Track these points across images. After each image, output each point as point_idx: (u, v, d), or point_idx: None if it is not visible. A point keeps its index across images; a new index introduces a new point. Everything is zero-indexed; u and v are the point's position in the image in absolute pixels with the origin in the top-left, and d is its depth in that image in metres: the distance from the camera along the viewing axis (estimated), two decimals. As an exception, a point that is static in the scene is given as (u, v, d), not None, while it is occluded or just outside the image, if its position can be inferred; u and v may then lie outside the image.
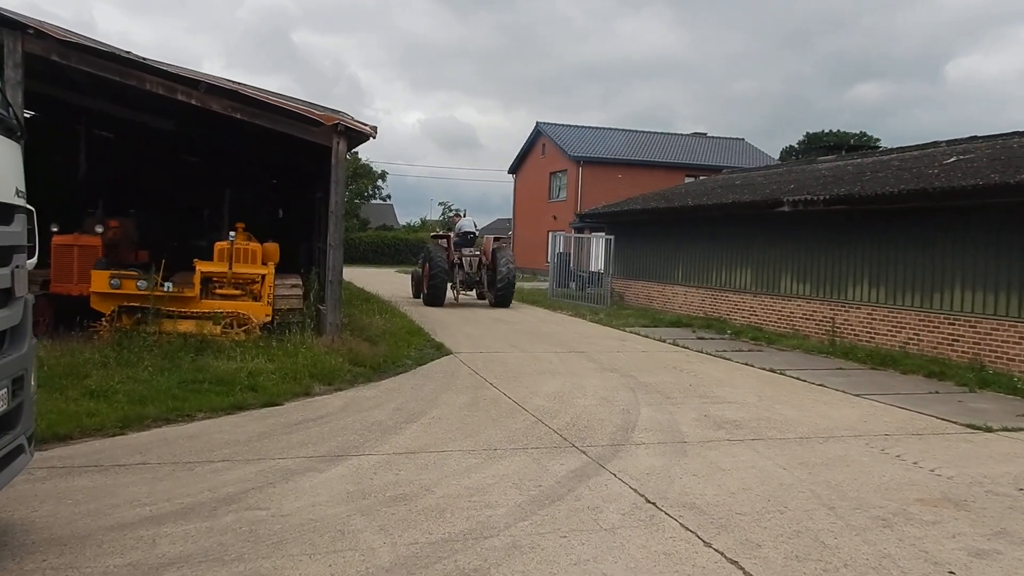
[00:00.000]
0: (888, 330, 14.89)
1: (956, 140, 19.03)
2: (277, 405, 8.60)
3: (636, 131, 49.50)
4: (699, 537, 5.11)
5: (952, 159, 15.79)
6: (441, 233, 24.72)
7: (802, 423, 8.66)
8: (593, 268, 28.35)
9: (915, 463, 7.15)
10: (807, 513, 5.65)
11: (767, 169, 26.58)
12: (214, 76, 11.58)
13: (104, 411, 7.56)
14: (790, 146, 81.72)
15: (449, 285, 22.37)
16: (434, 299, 21.54)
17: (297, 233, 18.98)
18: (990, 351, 12.80)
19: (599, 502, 5.75)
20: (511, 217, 56.70)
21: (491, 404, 9.16)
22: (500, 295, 22.21)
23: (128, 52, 11.19)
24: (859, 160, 20.68)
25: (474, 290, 23.56)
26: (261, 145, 16.00)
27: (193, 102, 11.39)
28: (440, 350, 13.26)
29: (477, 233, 24.01)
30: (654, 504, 5.74)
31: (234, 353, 10.53)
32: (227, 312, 12.02)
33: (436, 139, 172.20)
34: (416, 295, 24.21)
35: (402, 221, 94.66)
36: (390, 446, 7.13)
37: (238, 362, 10.04)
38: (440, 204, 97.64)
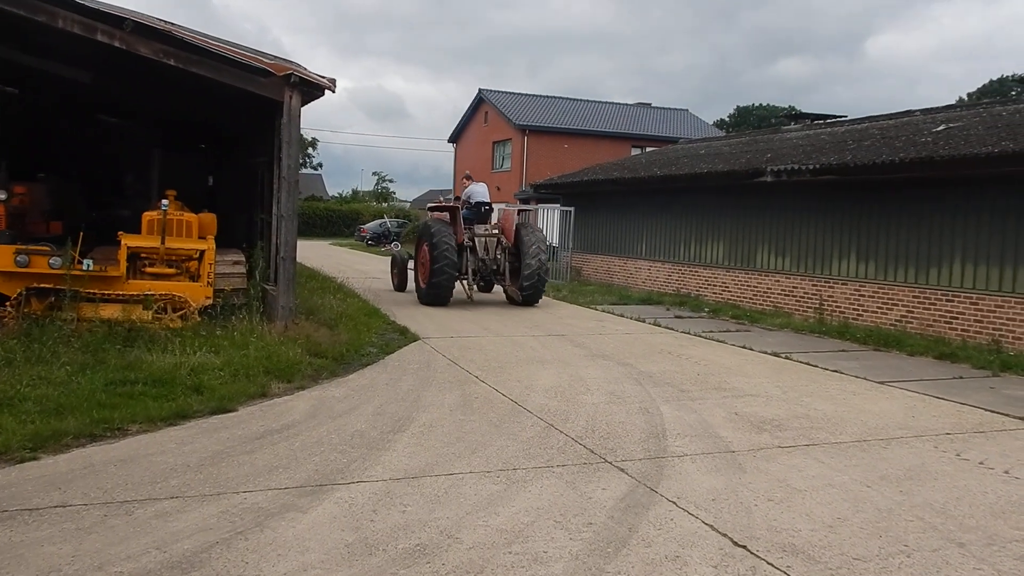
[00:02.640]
0: (879, 307, 14.03)
1: (932, 108, 18.31)
2: (230, 411, 7.04)
3: (582, 100, 48.28)
4: (830, 602, 3.87)
5: (941, 127, 14.94)
6: (443, 203, 17.88)
7: (847, 421, 7.54)
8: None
9: (1006, 472, 6.08)
10: (938, 555, 4.46)
11: (729, 138, 25.65)
12: (143, 14, 9.74)
13: (8, 426, 5.90)
14: (721, 119, 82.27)
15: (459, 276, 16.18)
16: (437, 295, 15.23)
17: (231, 203, 17.09)
18: (994, 329, 12.01)
19: (676, 547, 4.46)
20: (451, 188, 54.97)
21: (485, 404, 7.78)
22: (529, 290, 15.84)
23: (34, -18, 9.27)
24: (830, 129, 19.79)
25: (484, 281, 17.04)
26: (191, 100, 14.08)
27: (116, 44, 9.52)
28: (405, 335, 11.77)
29: (492, 205, 17.24)
30: (745, 548, 4.48)
31: (171, 344, 8.87)
32: (160, 294, 10.27)
33: (364, 108, 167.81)
34: (399, 286, 18.34)
35: (331, 192, 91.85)
36: (383, 468, 5.69)
37: (177, 356, 8.39)
38: (374, 174, 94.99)
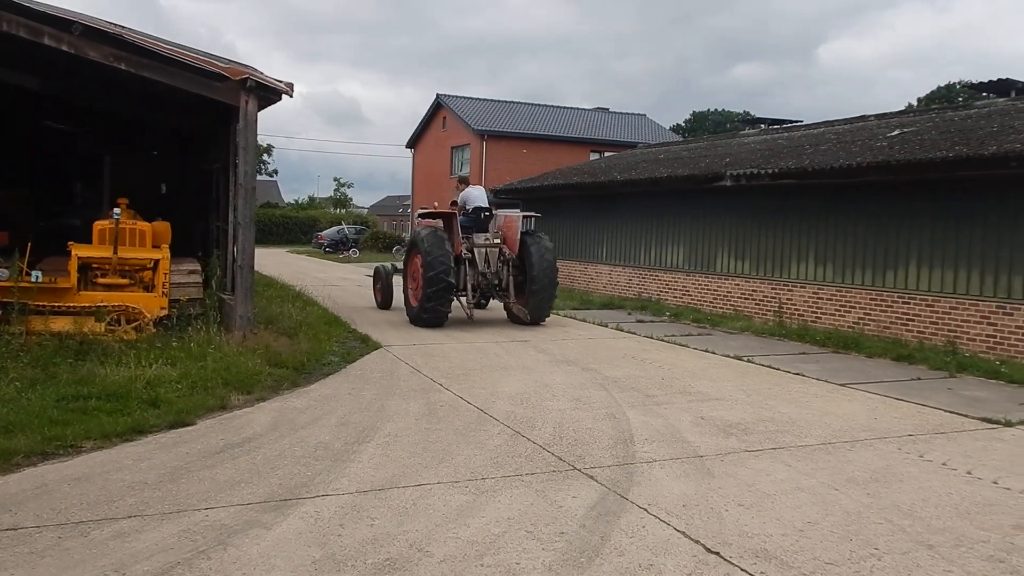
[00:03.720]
0: (836, 310, 14.22)
1: (886, 114, 18.63)
2: (188, 425, 6.84)
3: (540, 105, 48.32)
4: (806, 608, 3.86)
5: (896, 132, 15.22)
6: (435, 209, 15.07)
7: (811, 424, 7.59)
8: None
9: (969, 472, 6.15)
10: (907, 558, 4.48)
11: (688, 143, 25.87)
12: (92, 16, 9.47)
13: (-46, 446, 5.65)
14: (678, 124, 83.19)
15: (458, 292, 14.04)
16: (433, 315, 13.33)
17: (186, 210, 16.72)
18: (949, 331, 12.23)
19: (649, 555, 4.41)
20: (409, 193, 54.73)
21: (451, 412, 7.68)
22: (538, 308, 14.12)
23: (-23, -16, 8.96)
24: (787, 134, 20.05)
25: (485, 298, 14.96)
26: (143, 105, 13.75)
27: (64, 48, 9.24)
28: (367, 343, 11.63)
29: (493, 211, 15.14)
30: (719, 555, 4.45)
31: (125, 357, 8.61)
32: (113, 306, 9.99)
33: (320, 113, 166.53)
34: (384, 303, 16.28)
35: (287, 198, 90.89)
36: (349, 480, 5.56)
37: (132, 369, 8.14)
38: (335, 180, 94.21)
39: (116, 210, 10.76)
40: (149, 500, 5.01)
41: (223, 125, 12.27)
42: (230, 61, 10.21)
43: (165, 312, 10.51)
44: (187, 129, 15.37)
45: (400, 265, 15.97)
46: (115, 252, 10.47)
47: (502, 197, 26.94)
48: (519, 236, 14.41)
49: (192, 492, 5.20)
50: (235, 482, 5.43)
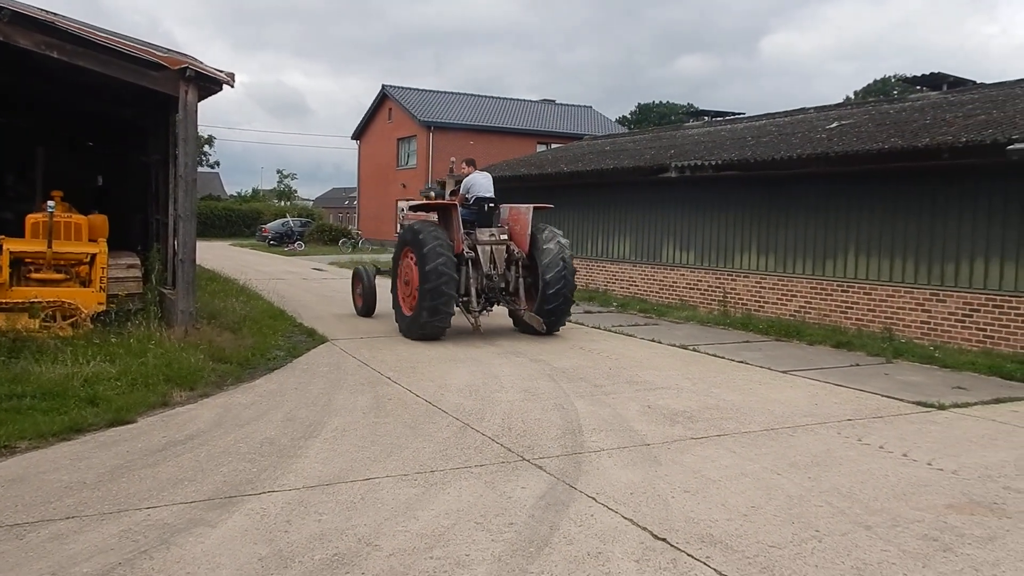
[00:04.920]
0: (779, 298, 14.52)
1: (825, 106, 19.08)
2: (129, 423, 6.68)
3: (486, 96, 48.26)
4: (750, 591, 3.94)
5: (835, 124, 15.58)
6: (430, 200, 13.05)
7: (755, 411, 7.74)
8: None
9: (905, 455, 6.34)
10: (848, 539, 4.60)
11: (634, 135, 26.08)
12: (22, 3, 9.13)
13: None
14: (624, 116, 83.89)
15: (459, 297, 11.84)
16: (431, 325, 11.31)
17: (124, 203, 16.30)
18: (886, 318, 12.60)
19: (598, 544, 4.45)
20: (355, 185, 54.18)
21: (399, 405, 7.64)
22: (553, 314, 12.13)
23: None
24: (730, 126, 20.38)
25: (487, 303, 12.57)
26: (78, 95, 13.34)
27: (-8, 35, 8.91)
28: (313, 336, 11.50)
29: (497, 202, 12.92)
30: (666, 541, 4.51)
31: (62, 354, 8.37)
32: (48, 301, 9.70)
33: (263, 104, 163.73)
34: (365, 310, 14.09)
35: (230, 191, 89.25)
36: (296, 476, 5.49)
37: (69, 366, 7.92)
38: (278, 172, 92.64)
39: (50, 203, 10.43)
40: (88, 500, 4.89)
41: (162, 116, 12.00)
42: (169, 50, 9.96)
43: (103, 307, 10.25)
44: (125, 120, 14.95)
45: (382, 266, 14.71)
46: (49, 246, 10.16)
47: (449, 189, 26.82)
48: (530, 231, 12.47)
49: (133, 491, 5.08)
50: (178, 480, 5.32)
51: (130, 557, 4.12)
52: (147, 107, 12.22)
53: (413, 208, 13.43)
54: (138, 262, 11.54)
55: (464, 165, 13.51)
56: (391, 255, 13.57)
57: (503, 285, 12.32)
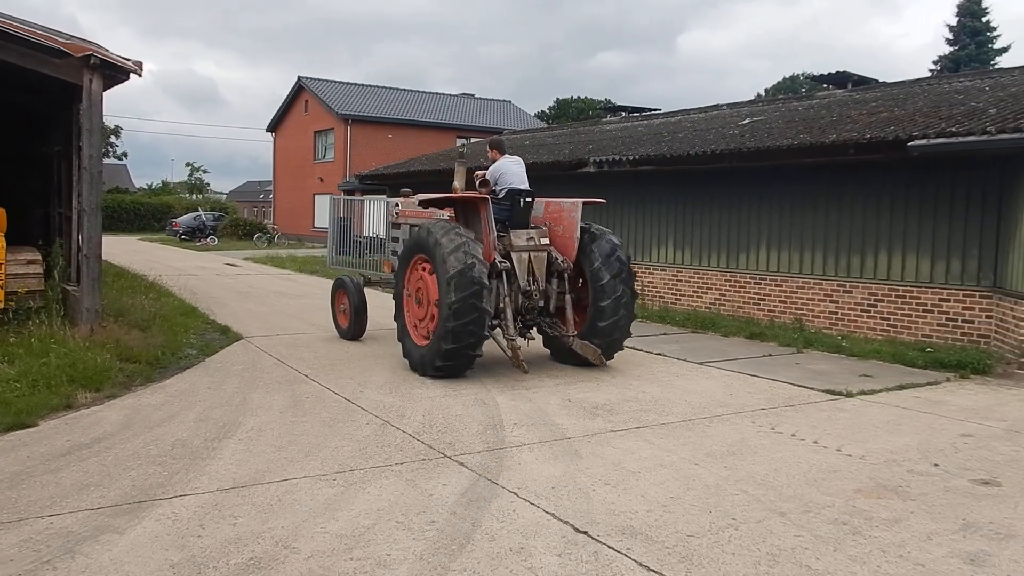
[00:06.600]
0: (695, 291, 14.84)
1: (738, 103, 19.58)
2: (29, 427, 6.36)
3: (405, 90, 47.78)
4: (670, 581, 3.99)
5: (746, 120, 15.99)
6: (453, 194, 9.91)
7: (673, 402, 7.87)
8: (367, 233, 26.51)
9: (815, 442, 6.55)
10: (762, 526, 4.72)
11: (552, 130, 26.24)
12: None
13: None
14: (542, 111, 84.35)
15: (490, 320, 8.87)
16: (458, 359, 8.57)
17: (23, 196, 15.50)
18: (796, 309, 13.01)
19: (520, 539, 4.44)
20: (270, 179, 52.92)
21: (317, 403, 7.48)
22: (609, 337, 9.36)
23: None
24: (647, 121, 20.70)
25: (524, 328, 9.64)
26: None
27: None
28: (227, 334, 11.18)
29: (534, 196, 9.80)
30: (587, 534, 4.53)
31: (-46, 356, 7.90)
32: (-62, 300, 9.13)
33: (173, 94, 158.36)
34: (353, 332, 11.20)
35: (138, 183, 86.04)
36: (209, 479, 5.30)
37: (-38, 368, 7.48)
38: (187, 165, 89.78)
39: (-60, 196, 9.82)
40: (-17, 511, 4.61)
41: (65, 105, 11.45)
42: (71, 36, 9.49)
43: (1, 306, 9.72)
44: (25, 109, 14.19)
45: (369, 275, 12.52)
46: (-61, 242, 9.57)
47: (367, 183, 26.52)
48: (577, 234, 9.56)
49: (34, 498, 4.82)
50: (83, 486, 5.07)
51: (31, 568, 3.90)
52: (49, 96, 11.62)
53: (423, 203, 10.10)
54: (39, 257, 11.00)
55: (490, 150, 10.30)
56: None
57: (542, 304, 9.47)
